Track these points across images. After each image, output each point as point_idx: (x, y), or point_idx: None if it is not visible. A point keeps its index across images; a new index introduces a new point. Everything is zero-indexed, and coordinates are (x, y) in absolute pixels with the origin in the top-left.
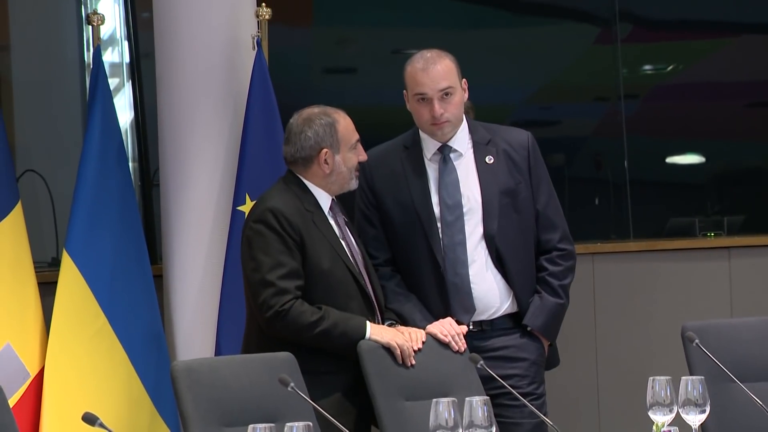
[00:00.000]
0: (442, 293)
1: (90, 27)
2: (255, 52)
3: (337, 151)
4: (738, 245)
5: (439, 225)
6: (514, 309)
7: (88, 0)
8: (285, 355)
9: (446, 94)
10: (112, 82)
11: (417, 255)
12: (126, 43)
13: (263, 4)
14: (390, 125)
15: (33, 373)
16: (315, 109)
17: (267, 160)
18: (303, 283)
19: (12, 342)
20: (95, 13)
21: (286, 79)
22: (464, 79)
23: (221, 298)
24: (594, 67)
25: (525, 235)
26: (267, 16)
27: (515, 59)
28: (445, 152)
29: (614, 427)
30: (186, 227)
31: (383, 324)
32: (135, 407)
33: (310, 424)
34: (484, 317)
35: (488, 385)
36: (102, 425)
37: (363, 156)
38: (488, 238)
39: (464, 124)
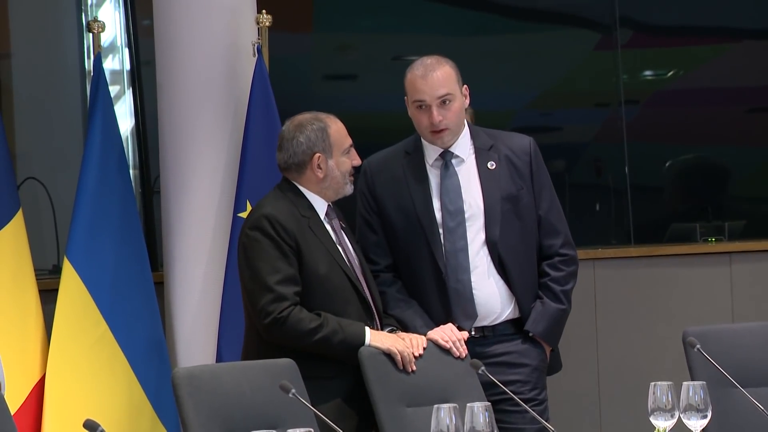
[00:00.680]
0: (444, 299)
1: (90, 34)
2: (255, 58)
3: (330, 156)
4: (739, 250)
5: (440, 231)
6: (516, 315)
7: (89, 7)
8: (286, 362)
9: (445, 101)
10: (113, 90)
11: (419, 261)
12: (126, 51)
13: (263, 11)
14: (390, 131)
15: (34, 380)
16: (306, 115)
17: (267, 166)
18: (300, 290)
19: (7, 352)
20: (96, 20)
21: (286, 86)
22: (465, 86)
23: (222, 304)
24: (594, 72)
25: (527, 241)
26: (267, 23)
27: (516, 65)
28: (446, 158)
29: None
30: (187, 234)
31: (383, 330)
32: (136, 414)
33: (311, 430)
34: (485, 323)
35: (490, 390)
36: None
37: (357, 160)
38: (490, 244)
39: (466, 130)
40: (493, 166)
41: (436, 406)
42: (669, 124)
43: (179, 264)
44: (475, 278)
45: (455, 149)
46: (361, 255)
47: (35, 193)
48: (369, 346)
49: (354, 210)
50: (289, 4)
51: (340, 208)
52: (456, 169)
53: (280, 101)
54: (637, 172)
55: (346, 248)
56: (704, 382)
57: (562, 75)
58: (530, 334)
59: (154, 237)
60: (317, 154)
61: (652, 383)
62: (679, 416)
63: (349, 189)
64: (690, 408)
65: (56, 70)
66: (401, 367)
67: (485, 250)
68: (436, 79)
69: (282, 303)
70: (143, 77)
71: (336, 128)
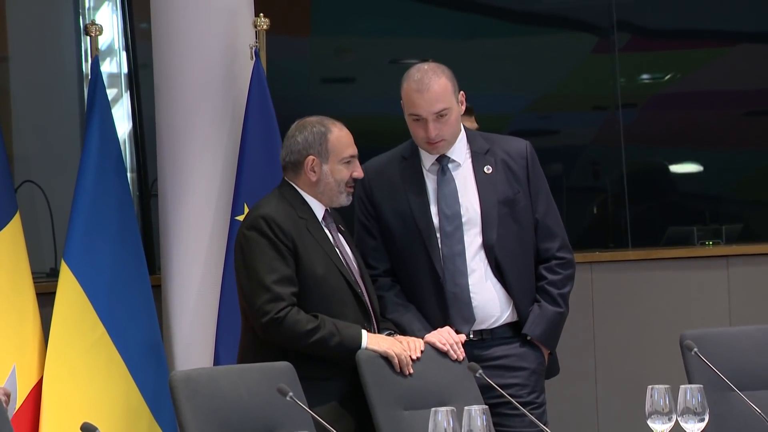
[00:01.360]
0: (442, 303)
1: (88, 37)
2: (253, 62)
3: (325, 161)
4: (736, 254)
5: (438, 235)
6: (514, 318)
7: (87, 10)
8: (283, 365)
9: (441, 115)
10: (111, 93)
11: (416, 265)
12: (124, 54)
13: (261, 14)
14: (388, 135)
15: (32, 383)
16: (314, 118)
17: (265, 169)
18: (297, 290)
19: (4, 355)
20: (93, 23)
21: (284, 89)
22: (461, 92)
23: (220, 307)
24: (592, 76)
25: (524, 245)
26: (265, 26)
27: (513, 69)
28: (443, 162)
29: None
30: (184, 237)
31: (381, 333)
32: (133, 417)
33: None
34: (483, 327)
35: (488, 394)
36: None
37: (358, 173)
38: (487, 247)
39: (462, 134)
40: (490, 170)
41: (433, 409)
42: (666, 127)
43: (177, 267)
44: (472, 282)
45: (452, 154)
46: (359, 259)
47: (33, 196)
48: (366, 348)
49: (352, 215)
50: (287, 7)
51: (339, 212)
52: (453, 173)
53: (277, 104)
54: (634, 176)
55: (344, 251)
56: (701, 386)
57: (560, 78)
58: (528, 338)
59: (152, 240)
60: (311, 156)
61: (650, 386)
62: (677, 419)
63: (344, 199)
64: (687, 411)
65: (54, 73)
66: (398, 370)
67: (482, 254)
68: (432, 94)
69: (279, 303)
70: (141, 80)
71: (338, 135)
